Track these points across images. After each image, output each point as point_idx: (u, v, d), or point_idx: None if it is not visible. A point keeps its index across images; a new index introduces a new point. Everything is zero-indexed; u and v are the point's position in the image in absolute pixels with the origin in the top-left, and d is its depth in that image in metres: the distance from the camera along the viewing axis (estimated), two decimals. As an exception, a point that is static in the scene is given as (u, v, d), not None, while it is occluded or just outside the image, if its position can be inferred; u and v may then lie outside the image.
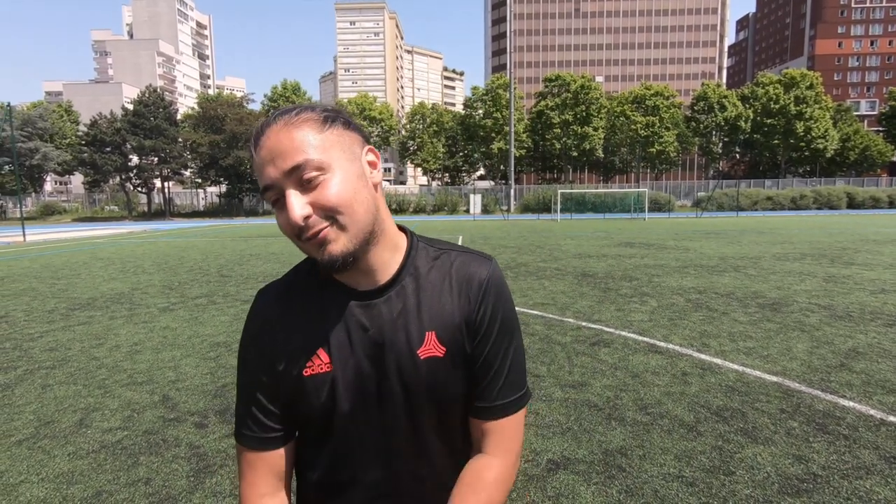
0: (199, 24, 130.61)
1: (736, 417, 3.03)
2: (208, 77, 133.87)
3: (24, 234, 19.89)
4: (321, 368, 0.74)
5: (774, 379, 3.64)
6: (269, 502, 0.77)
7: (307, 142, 0.66)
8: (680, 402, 3.27)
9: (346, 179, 0.67)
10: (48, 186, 67.76)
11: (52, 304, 6.77)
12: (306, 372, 0.74)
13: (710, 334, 4.82)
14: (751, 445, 2.69)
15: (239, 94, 54.91)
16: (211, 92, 76.96)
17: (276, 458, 0.77)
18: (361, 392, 0.74)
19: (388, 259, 0.76)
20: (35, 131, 44.01)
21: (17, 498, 2.35)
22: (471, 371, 0.77)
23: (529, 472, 2.48)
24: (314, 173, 0.65)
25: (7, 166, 41.05)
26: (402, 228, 0.83)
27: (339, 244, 0.67)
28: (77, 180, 62.73)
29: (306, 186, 0.66)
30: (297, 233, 0.67)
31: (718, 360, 4.06)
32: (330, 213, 0.66)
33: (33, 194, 49.27)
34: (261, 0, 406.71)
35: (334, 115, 0.71)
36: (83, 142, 43.86)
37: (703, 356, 4.18)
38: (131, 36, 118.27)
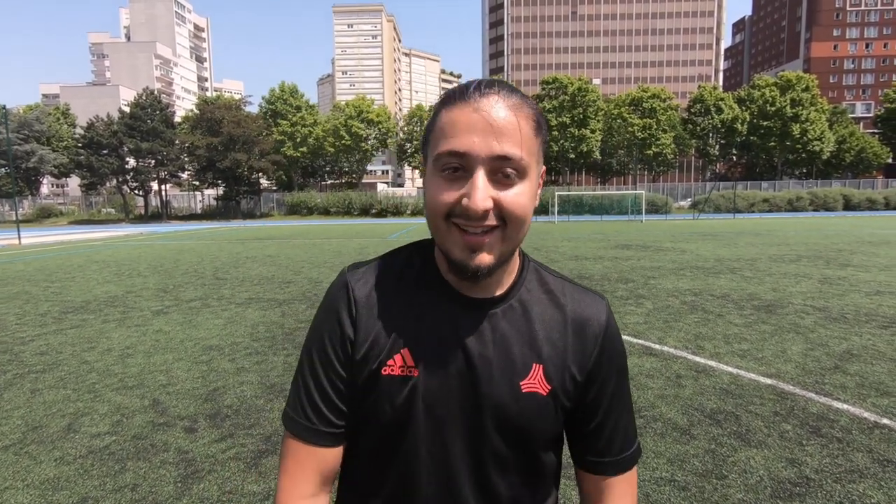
0: (196, 27, 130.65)
1: (730, 420, 3.01)
2: (206, 80, 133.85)
3: (19, 237, 19.81)
4: (403, 371, 0.66)
5: (769, 381, 3.63)
6: None
7: (527, 138, 0.60)
8: (674, 404, 3.25)
9: (532, 193, 0.63)
10: (44, 189, 67.53)
11: (44, 308, 6.72)
12: (385, 370, 0.66)
13: (705, 336, 4.81)
14: (744, 449, 2.67)
15: (237, 97, 54.88)
16: (209, 94, 76.91)
17: (328, 456, 0.69)
18: (445, 409, 0.66)
19: (507, 276, 0.70)
20: (31, 134, 43.92)
21: (1, 505, 2.31)
22: (578, 421, 0.71)
23: (521, 477, 2.46)
24: (514, 173, 0.59)
25: (3, 169, 40.91)
26: None
27: (494, 254, 0.61)
28: (74, 183, 62.53)
29: (498, 181, 0.59)
30: (459, 213, 0.60)
31: (713, 363, 4.05)
32: (504, 220, 0.60)
33: (29, 197, 49.11)
34: (259, 2, 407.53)
35: (545, 123, 0.66)
36: (80, 144, 43.77)
37: (697, 358, 4.17)
38: (129, 38, 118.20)
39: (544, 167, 0.68)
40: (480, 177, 0.58)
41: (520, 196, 0.60)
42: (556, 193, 34.00)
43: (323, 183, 61.37)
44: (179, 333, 5.26)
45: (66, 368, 4.20)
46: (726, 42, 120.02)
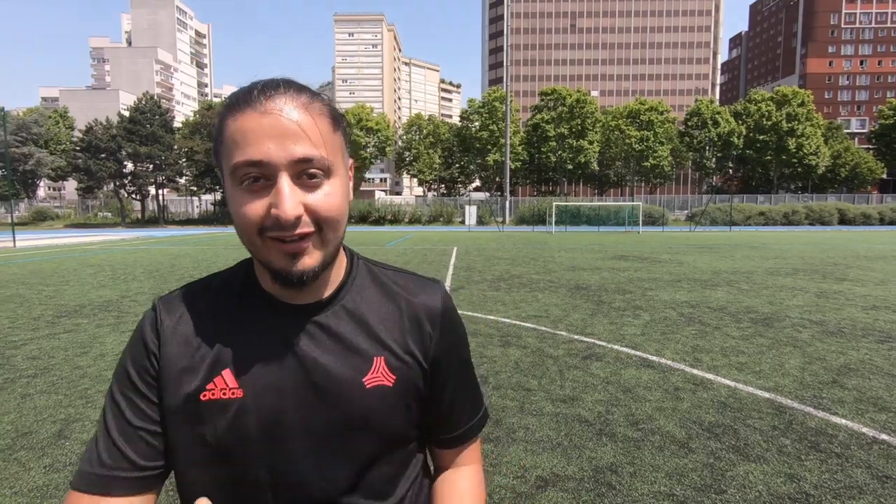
0: (198, 33, 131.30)
1: (728, 434, 2.99)
2: (206, 85, 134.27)
3: (14, 240, 19.70)
4: (225, 394, 0.60)
5: (766, 395, 3.62)
6: None
7: (324, 136, 0.57)
8: (671, 417, 3.23)
9: (343, 191, 0.61)
10: (41, 192, 67.33)
11: (38, 311, 6.66)
12: (204, 395, 0.61)
13: (703, 349, 4.80)
14: (742, 463, 2.65)
15: (236, 103, 55.00)
16: (209, 100, 77.10)
17: None
18: (284, 426, 0.61)
19: (334, 276, 0.68)
20: (29, 136, 43.88)
21: (-13, 512, 2.27)
22: (428, 404, 0.71)
23: (518, 489, 2.43)
24: (319, 173, 0.57)
25: (0, 171, 40.80)
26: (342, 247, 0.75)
27: (314, 258, 0.59)
28: (71, 186, 62.38)
29: (304, 184, 0.57)
30: (270, 226, 0.56)
31: (710, 376, 4.03)
32: (319, 224, 0.58)
33: (26, 199, 48.93)
34: (260, 10, 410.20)
35: (341, 116, 0.64)
36: (78, 148, 43.72)
37: (695, 371, 4.15)
38: (130, 44, 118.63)
39: (352, 160, 0.67)
40: (285, 183, 0.55)
41: (330, 196, 0.58)
42: (554, 204, 34.11)
43: (321, 190, 61.15)
44: (174, 339, 5.21)
45: (58, 373, 4.15)
46: (723, 57, 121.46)
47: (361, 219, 44.10)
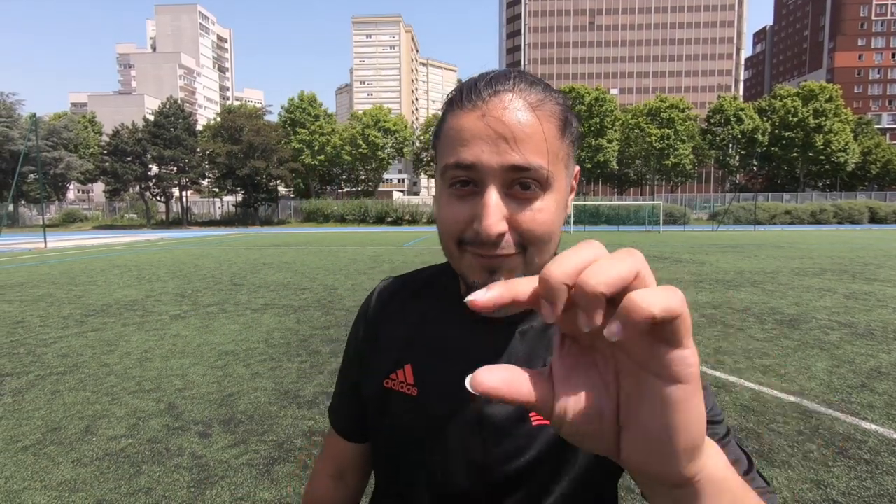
0: (219, 38, 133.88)
1: (751, 438, 2.92)
2: (227, 89, 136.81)
3: (45, 241, 20.36)
4: (403, 388, 0.62)
5: (792, 399, 3.52)
6: (331, 486, 0.75)
7: (551, 141, 0.51)
8: (692, 421, 3.17)
9: (559, 205, 0.53)
10: (71, 194, 69.50)
11: (67, 311, 6.87)
12: (387, 383, 0.63)
13: (726, 351, 4.70)
14: (766, 468, 2.59)
15: (258, 106, 55.95)
16: (230, 103, 78.58)
17: (346, 449, 0.74)
18: (444, 439, 0.59)
19: None
20: (60, 141, 45.28)
21: (19, 505, 2.35)
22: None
23: (534, 492, 2.42)
24: (535, 184, 0.50)
25: (32, 175, 42.23)
26: None
27: (514, 277, 0.51)
28: (98, 189, 64.23)
29: (515, 196, 0.50)
30: (470, 240, 0.51)
31: (733, 378, 3.94)
32: (526, 242, 0.51)
33: (56, 202, 50.54)
34: (280, 14, 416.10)
35: (572, 119, 0.55)
36: (105, 151, 45.01)
37: (717, 373, 4.07)
38: (154, 49, 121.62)
39: (577, 168, 0.60)
40: (492, 194, 0.49)
41: (542, 213, 0.51)
42: (573, 203, 33.75)
43: (339, 191, 62.00)
44: (196, 338, 5.32)
45: (85, 371, 4.28)
46: (747, 52, 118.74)
47: (379, 219, 44.41)
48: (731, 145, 55.04)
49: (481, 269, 0.52)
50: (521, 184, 0.50)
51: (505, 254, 0.51)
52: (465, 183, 0.51)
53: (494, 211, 0.49)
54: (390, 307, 0.68)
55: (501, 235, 0.50)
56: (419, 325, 0.65)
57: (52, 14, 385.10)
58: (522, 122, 0.49)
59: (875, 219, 39.16)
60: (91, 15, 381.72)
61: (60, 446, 2.92)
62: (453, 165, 0.51)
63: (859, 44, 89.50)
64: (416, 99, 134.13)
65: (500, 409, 0.58)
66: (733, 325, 5.73)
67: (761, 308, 6.64)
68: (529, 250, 0.52)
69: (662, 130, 53.64)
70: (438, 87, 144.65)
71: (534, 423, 0.57)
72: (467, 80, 0.54)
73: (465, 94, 0.52)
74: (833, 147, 52.02)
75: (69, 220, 47.26)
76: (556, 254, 0.55)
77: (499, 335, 0.60)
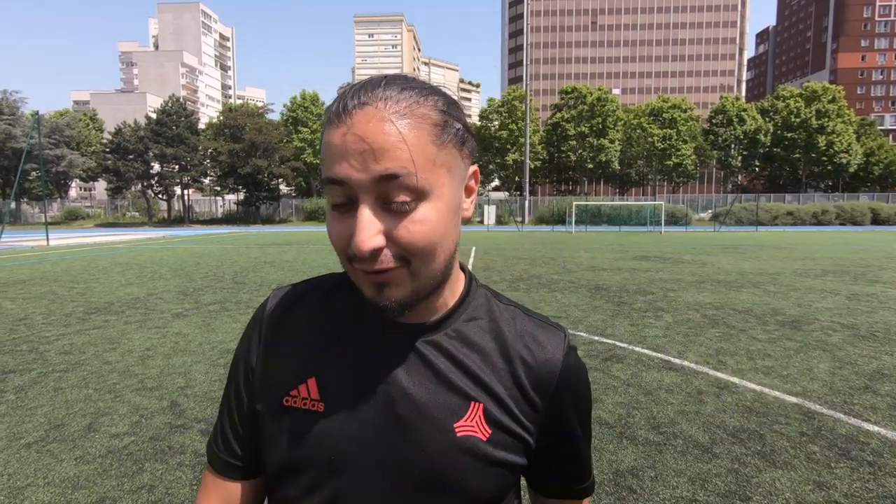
0: (222, 36, 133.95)
1: (753, 439, 2.92)
2: (229, 87, 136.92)
3: (47, 239, 20.39)
4: (306, 404, 0.57)
5: (794, 400, 3.52)
6: None
7: (419, 149, 0.48)
8: (694, 421, 3.17)
9: (443, 215, 0.51)
10: (73, 192, 69.60)
11: (69, 308, 6.89)
12: (287, 401, 0.57)
13: (727, 352, 4.69)
14: (769, 469, 2.59)
15: (259, 105, 55.97)
16: (232, 102, 78.69)
17: (232, 490, 0.62)
18: (355, 457, 0.55)
19: (442, 302, 0.59)
20: (62, 139, 45.34)
21: (22, 501, 2.35)
22: (522, 467, 0.60)
23: (536, 491, 2.42)
24: (407, 197, 0.48)
25: (34, 172, 42.30)
26: (461, 265, 0.65)
27: (403, 290, 0.51)
28: (101, 187, 64.31)
29: (391, 209, 0.48)
30: (353, 256, 0.50)
31: (735, 379, 3.94)
32: (407, 255, 0.49)
33: (59, 200, 50.62)
34: (282, 13, 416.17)
35: (454, 119, 0.52)
36: (107, 149, 45.07)
37: (719, 374, 4.06)
38: (157, 47, 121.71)
39: (475, 166, 0.57)
40: (364, 210, 0.48)
41: (421, 224, 0.49)
42: (574, 203, 33.78)
43: (341, 190, 61.86)
44: (198, 336, 5.33)
45: (88, 368, 4.28)
46: (749, 52, 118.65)
47: (381, 218, 44.33)
48: (733, 146, 54.95)
49: (370, 284, 0.51)
50: (394, 195, 0.48)
51: (386, 268, 0.49)
52: (343, 202, 0.50)
53: (366, 227, 0.47)
54: (287, 318, 0.62)
55: (378, 251, 0.48)
56: (321, 336, 0.60)
57: (54, 12, 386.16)
58: (387, 133, 0.47)
59: (877, 220, 39.07)
60: (94, 13, 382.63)
61: (63, 443, 2.92)
62: (327, 181, 0.49)
63: (862, 45, 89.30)
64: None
65: (419, 419, 0.55)
66: (735, 326, 5.73)
67: (763, 309, 6.63)
68: (413, 262, 0.50)
69: (664, 131, 53.56)
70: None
71: (458, 434, 0.55)
72: (341, 90, 0.52)
73: (334, 110, 0.50)
74: (836, 148, 51.92)
75: (71, 218, 47.32)
76: (451, 261, 0.55)
77: (407, 343, 0.57)
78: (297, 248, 18.08)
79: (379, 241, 0.48)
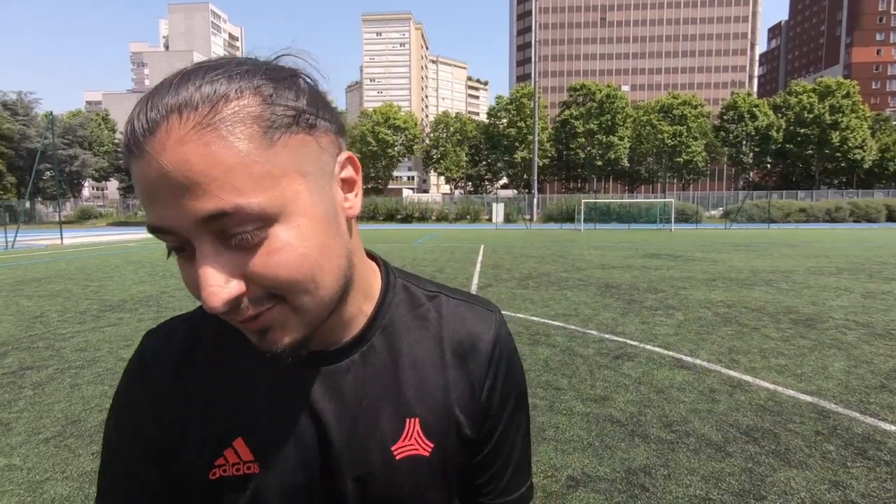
0: (231, 36, 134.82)
1: (767, 438, 2.89)
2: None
3: (61, 237, 20.70)
4: (238, 470, 0.48)
5: (809, 399, 3.48)
6: None
7: (243, 166, 0.36)
8: (707, 420, 3.15)
9: (308, 232, 0.40)
10: (86, 192, 70.51)
11: (84, 306, 6.98)
12: (214, 474, 0.48)
13: (740, 350, 4.65)
14: (783, 469, 2.56)
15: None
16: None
17: None
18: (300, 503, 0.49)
19: (356, 311, 0.51)
20: (75, 139, 45.99)
21: (41, 495, 2.40)
22: (470, 469, 0.56)
23: (548, 489, 2.42)
24: (250, 227, 0.37)
25: (48, 172, 42.93)
26: (372, 257, 0.57)
27: (290, 332, 0.42)
28: (113, 186, 65.12)
29: (235, 243, 0.38)
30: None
31: (748, 378, 3.91)
32: (277, 292, 0.40)
33: (72, 199, 51.34)
34: (291, 12, 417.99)
35: (294, 91, 0.40)
36: (119, 149, 45.62)
37: (732, 373, 4.03)
38: (167, 48, 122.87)
39: (346, 153, 0.45)
40: (201, 259, 0.37)
41: (280, 253, 0.38)
42: (583, 201, 33.61)
43: (349, 188, 62.13)
44: (210, 333, 5.37)
45: (103, 365, 4.35)
46: (761, 47, 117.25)
47: (389, 217, 44.53)
48: (744, 142, 54.41)
49: (249, 332, 0.42)
50: (235, 234, 0.37)
51: (256, 313, 0.40)
52: (179, 246, 0.39)
53: (209, 279, 0.37)
54: (186, 372, 0.50)
55: (237, 299, 0.38)
56: (231, 384, 0.50)
57: (68, 14, 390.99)
58: (190, 160, 0.35)
59: (893, 217, 38.44)
60: (106, 15, 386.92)
61: (80, 438, 2.97)
62: (151, 230, 0.39)
63: (877, 38, 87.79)
64: (426, 96, 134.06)
65: (357, 452, 0.49)
66: (748, 324, 5.67)
67: (776, 307, 6.56)
68: (289, 297, 0.40)
69: (674, 127, 53.15)
70: (448, 84, 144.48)
71: (398, 457, 0.50)
72: (135, 106, 0.38)
73: (127, 138, 0.37)
74: (850, 144, 51.19)
75: (84, 217, 48.00)
76: (344, 277, 0.45)
77: (325, 373, 0.50)
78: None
79: (231, 289, 0.38)
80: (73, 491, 2.43)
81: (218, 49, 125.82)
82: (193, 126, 0.35)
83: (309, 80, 0.43)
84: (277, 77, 0.40)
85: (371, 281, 0.53)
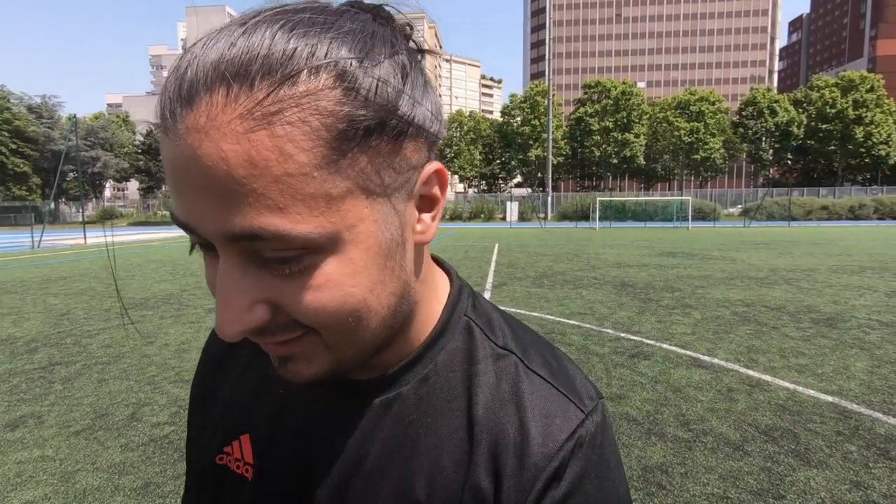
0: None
1: (787, 438, 2.87)
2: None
3: (85, 237, 21.21)
4: (238, 468, 0.44)
5: (829, 399, 3.44)
6: None
7: (293, 182, 0.28)
8: (725, 419, 3.13)
9: (363, 267, 0.32)
10: (107, 192, 72.14)
11: (108, 304, 7.17)
12: (220, 458, 0.45)
13: (759, 349, 4.60)
14: (803, 468, 2.54)
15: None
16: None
17: None
18: None
19: (401, 348, 0.41)
20: (97, 141, 47.05)
21: (73, 485, 2.49)
22: None
23: (565, 485, 2.43)
24: (290, 254, 0.30)
25: (72, 173, 44.00)
26: (442, 267, 0.46)
27: (315, 366, 0.35)
28: (133, 186, 66.50)
29: (273, 268, 0.30)
30: None
31: (767, 377, 3.87)
32: (311, 325, 0.32)
33: (94, 199, 52.56)
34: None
35: (386, 80, 0.30)
36: (139, 150, 46.61)
37: (750, 372, 3.99)
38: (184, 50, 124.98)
39: (434, 164, 0.35)
40: (226, 276, 0.30)
41: (321, 291, 0.31)
42: (598, 199, 33.34)
43: (364, 187, 62.59)
44: (230, 331, 5.49)
45: (128, 361, 4.47)
46: (782, 41, 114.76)
47: (403, 216, 44.65)
48: (764, 139, 53.37)
49: (272, 354, 0.35)
50: (275, 259, 0.30)
51: (284, 339, 0.33)
52: (204, 245, 0.32)
53: (230, 301, 0.30)
54: (231, 349, 0.49)
55: (251, 332, 0.31)
56: (260, 385, 0.46)
57: (90, 19, 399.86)
58: (231, 161, 0.27)
59: (919, 214, 37.39)
60: (126, 19, 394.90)
61: (109, 431, 3.07)
62: (175, 221, 0.31)
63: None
64: (440, 95, 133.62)
65: (364, 493, 0.39)
66: (767, 323, 5.60)
67: (797, 306, 6.46)
68: (323, 334, 0.33)
69: (692, 124, 52.38)
70: (462, 82, 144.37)
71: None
72: (182, 54, 0.30)
73: (159, 104, 0.29)
74: (874, 139, 49.87)
75: (106, 217, 49.08)
76: (396, 314, 0.36)
77: (356, 407, 0.41)
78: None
79: (254, 318, 0.31)
80: (103, 482, 2.52)
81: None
82: (241, 114, 0.27)
83: (417, 46, 0.34)
84: (372, 53, 0.30)
85: (430, 314, 0.42)
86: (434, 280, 0.43)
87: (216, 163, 0.27)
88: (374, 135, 0.29)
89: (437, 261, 0.45)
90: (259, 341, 0.33)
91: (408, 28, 0.34)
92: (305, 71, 0.27)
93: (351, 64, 0.28)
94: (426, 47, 0.35)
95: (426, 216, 0.36)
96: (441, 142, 0.34)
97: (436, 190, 0.36)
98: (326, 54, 0.28)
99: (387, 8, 0.34)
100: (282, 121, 0.27)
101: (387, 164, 0.31)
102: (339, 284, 0.31)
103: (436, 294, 0.43)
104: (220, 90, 0.27)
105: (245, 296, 0.30)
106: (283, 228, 0.28)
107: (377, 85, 0.29)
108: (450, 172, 64.08)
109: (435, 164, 0.35)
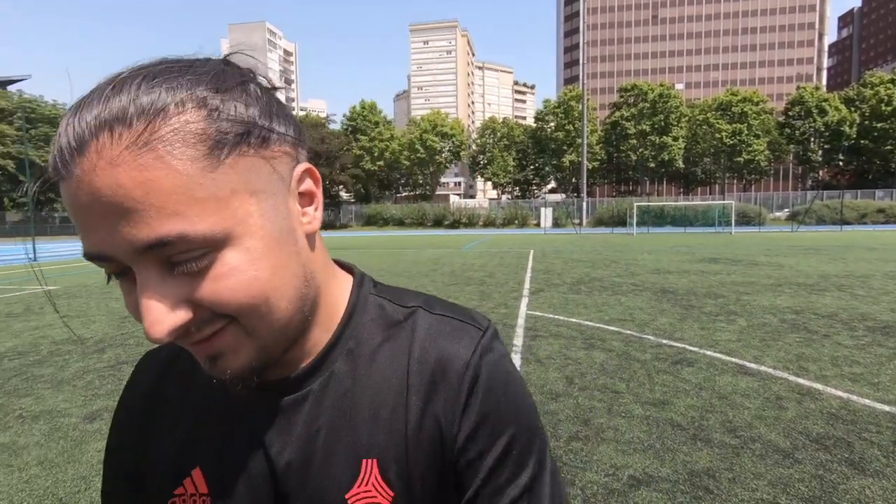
0: (286, 52, 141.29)
1: (840, 447, 2.81)
2: (293, 100, 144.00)
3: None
4: (195, 501, 0.45)
5: (886, 408, 3.32)
6: None
7: (184, 190, 0.33)
8: (774, 426, 3.08)
9: (260, 254, 0.37)
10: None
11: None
12: (173, 501, 0.46)
13: (809, 357, 4.47)
14: (857, 477, 2.49)
15: (322, 116, 58.67)
16: (296, 114, 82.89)
17: None
18: None
19: (320, 334, 0.46)
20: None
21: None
22: None
23: (610, 486, 2.47)
24: (195, 253, 0.34)
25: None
26: (348, 269, 0.52)
27: (241, 357, 0.38)
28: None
29: (180, 268, 0.35)
30: None
31: (819, 386, 3.76)
32: (228, 314, 0.37)
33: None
34: (341, 27, 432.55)
35: (241, 103, 0.36)
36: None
37: (800, 380, 3.89)
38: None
39: (303, 165, 0.41)
40: (142, 287, 0.34)
41: (229, 278, 0.35)
42: (635, 204, 32.68)
43: (397, 195, 63.50)
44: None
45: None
46: (831, 37, 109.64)
47: (437, 222, 45.09)
48: (812, 139, 51.05)
49: (202, 357, 0.39)
50: (180, 261, 0.34)
51: (209, 334, 0.37)
52: (120, 271, 0.36)
53: (152, 309, 0.34)
54: (156, 394, 0.50)
55: (178, 330, 0.35)
56: (194, 411, 0.48)
57: (140, 37, 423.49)
58: (123, 186, 0.31)
59: None
60: (175, 35, 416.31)
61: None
62: (86, 257, 0.35)
63: (967, 21, 80.00)
64: (472, 102, 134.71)
65: (307, 497, 0.43)
66: (818, 331, 5.41)
67: (850, 314, 6.21)
68: (242, 320, 0.37)
69: (734, 126, 50.70)
70: (494, 89, 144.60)
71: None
72: (63, 118, 0.34)
73: (54, 156, 0.33)
74: (935, 138, 46.91)
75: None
76: (304, 298, 0.41)
77: (283, 408, 0.45)
78: (359, 252, 18.76)
79: (177, 318, 0.35)
80: (174, 470, 2.73)
81: (273, 65, 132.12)
82: (127, 146, 0.31)
83: (263, 83, 0.40)
84: (225, 85, 0.36)
85: (338, 298, 0.48)
86: (335, 270, 0.49)
87: (115, 191, 0.31)
88: (244, 142, 0.35)
89: (338, 261, 0.52)
90: (186, 343, 0.37)
91: (250, 72, 0.40)
92: (172, 105, 0.33)
93: (210, 93, 0.35)
94: (271, 85, 0.41)
95: (309, 209, 0.42)
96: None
97: (310, 185, 0.42)
98: (188, 89, 0.34)
99: (231, 59, 0.40)
100: (162, 144, 0.32)
101: (260, 168, 0.37)
102: (243, 271, 0.36)
103: (339, 280, 0.49)
104: (104, 134, 0.31)
105: (166, 299, 0.34)
106: (184, 230, 0.33)
107: (234, 105, 0.36)
108: (483, 179, 64.12)
109: (305, 164, 0.42)
